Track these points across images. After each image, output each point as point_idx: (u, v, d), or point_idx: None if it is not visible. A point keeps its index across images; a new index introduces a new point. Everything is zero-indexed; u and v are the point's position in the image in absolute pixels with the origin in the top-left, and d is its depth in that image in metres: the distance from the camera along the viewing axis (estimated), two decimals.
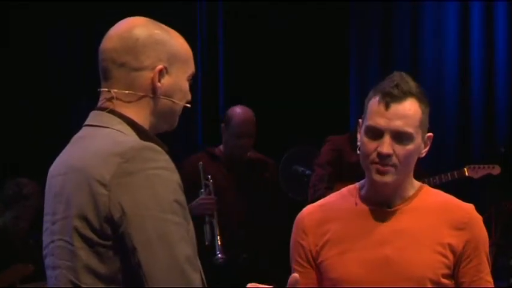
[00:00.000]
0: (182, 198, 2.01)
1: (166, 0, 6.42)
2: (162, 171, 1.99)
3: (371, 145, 2.47)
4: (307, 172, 5.24)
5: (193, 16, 6.78)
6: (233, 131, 5.21)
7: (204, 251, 4.83)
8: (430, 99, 2.55)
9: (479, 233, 2.53)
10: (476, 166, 5.50)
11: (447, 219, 2.51)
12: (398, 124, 2.45)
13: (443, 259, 2.48)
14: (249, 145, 5.27)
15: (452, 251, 2.48)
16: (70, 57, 6.66)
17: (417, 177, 2.64)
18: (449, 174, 5.41)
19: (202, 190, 5.04)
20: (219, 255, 4.88)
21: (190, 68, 2.19)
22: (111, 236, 1.98)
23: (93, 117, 2.15)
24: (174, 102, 2.15)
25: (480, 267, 2.51)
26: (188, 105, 2.20)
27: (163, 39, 2.14)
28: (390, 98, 2.45)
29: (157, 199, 1.96)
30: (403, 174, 2.49)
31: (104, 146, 2.04)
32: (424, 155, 2.55)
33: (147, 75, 2.11)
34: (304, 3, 6.68)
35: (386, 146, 2.44)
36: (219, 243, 4.90)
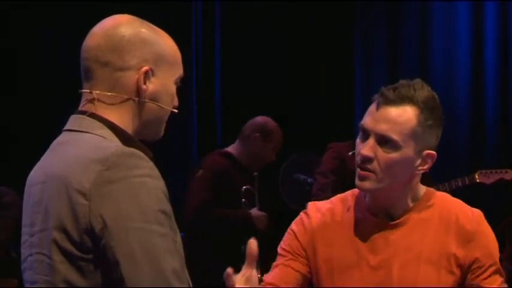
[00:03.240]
0: (168, 207, 1.93)
1: (161, 0, 6.34)
2: (146, 178, 1.91)
3: (359, 146, 2.38)
4: (309, 180, 5.18)
5: (189, 17, 6.72)
6: (274, 145, 5.24)
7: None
8: (440, 101, 2.40)
9: (488, 243, 2.42)
10: (488, 171, 5.40)
11: (453, 230, 2.41)
12: (383, 128, 2.33)
13: (450, 275, 2.39)
14: None
15: (460, 265, 2.39)
16: (55, 61, 6.51)
17: (424, 185, 2.52)
18: (459, 181, 5.31)
19: (244, 200, 5.02)
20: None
21: (179, 71, 2.11)
22: (92, 249, 1.90)
23: (73, 121, 2.07)
24: (160, 106, 2.07)
25: (493, 277, 2.41)
26: (175, 110, 2.11)
27: (150, 39, 2.06)
28: (383, 99, 2.35)
29: (141, 209, 1.88)
30: (386, 183, 2.36)
31: (84, 152, 1.96)
32: (421, 171, 2.41)
33: (131, 76, 2.03)
34: (305, 3, 6.60)
35: (367, 148, 2.34)
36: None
